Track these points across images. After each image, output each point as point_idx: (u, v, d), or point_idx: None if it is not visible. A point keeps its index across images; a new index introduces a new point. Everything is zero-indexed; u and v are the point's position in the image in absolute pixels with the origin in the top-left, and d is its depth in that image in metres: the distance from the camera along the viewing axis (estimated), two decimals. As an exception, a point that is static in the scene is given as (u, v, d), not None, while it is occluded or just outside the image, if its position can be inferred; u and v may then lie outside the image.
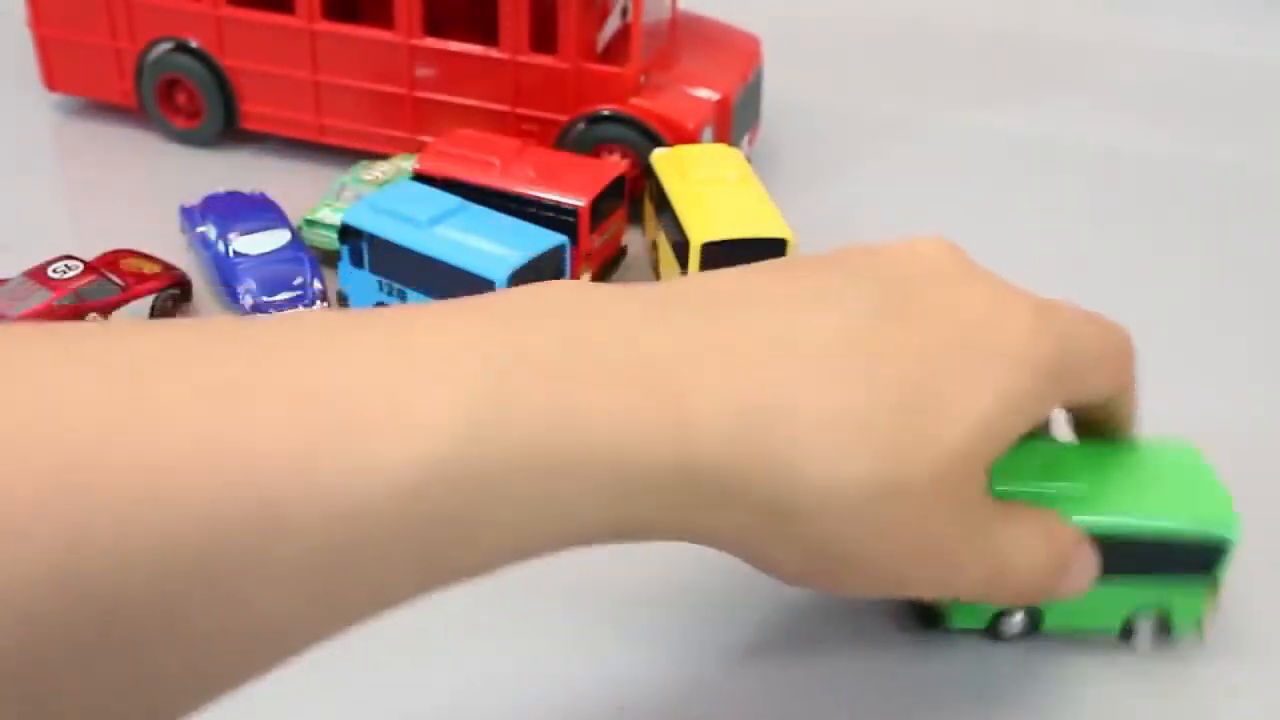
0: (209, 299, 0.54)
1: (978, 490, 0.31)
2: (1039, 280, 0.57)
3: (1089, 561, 0.35)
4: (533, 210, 0.53)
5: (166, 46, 0.63)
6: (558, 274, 0.50)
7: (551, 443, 0.26)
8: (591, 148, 0.59)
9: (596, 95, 0.58)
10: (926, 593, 0.33)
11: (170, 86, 0.64)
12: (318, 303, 0.52)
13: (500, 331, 0.27)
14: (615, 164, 0.57)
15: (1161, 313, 0.56)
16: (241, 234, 0.53)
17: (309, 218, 0.56)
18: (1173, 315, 0.56)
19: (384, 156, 0.60)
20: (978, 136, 0.71)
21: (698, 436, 0.27)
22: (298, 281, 0.52)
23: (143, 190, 0.62)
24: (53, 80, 0.66)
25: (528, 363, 0.26)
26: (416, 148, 0.60)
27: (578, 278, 0.53)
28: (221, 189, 0.57)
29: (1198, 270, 0.59)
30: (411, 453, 0.24)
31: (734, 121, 0.60)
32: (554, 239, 0.50)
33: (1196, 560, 0.36)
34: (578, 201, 0.52)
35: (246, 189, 0.57)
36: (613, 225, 0.56)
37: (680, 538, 0.29)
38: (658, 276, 0.56)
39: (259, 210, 0.55)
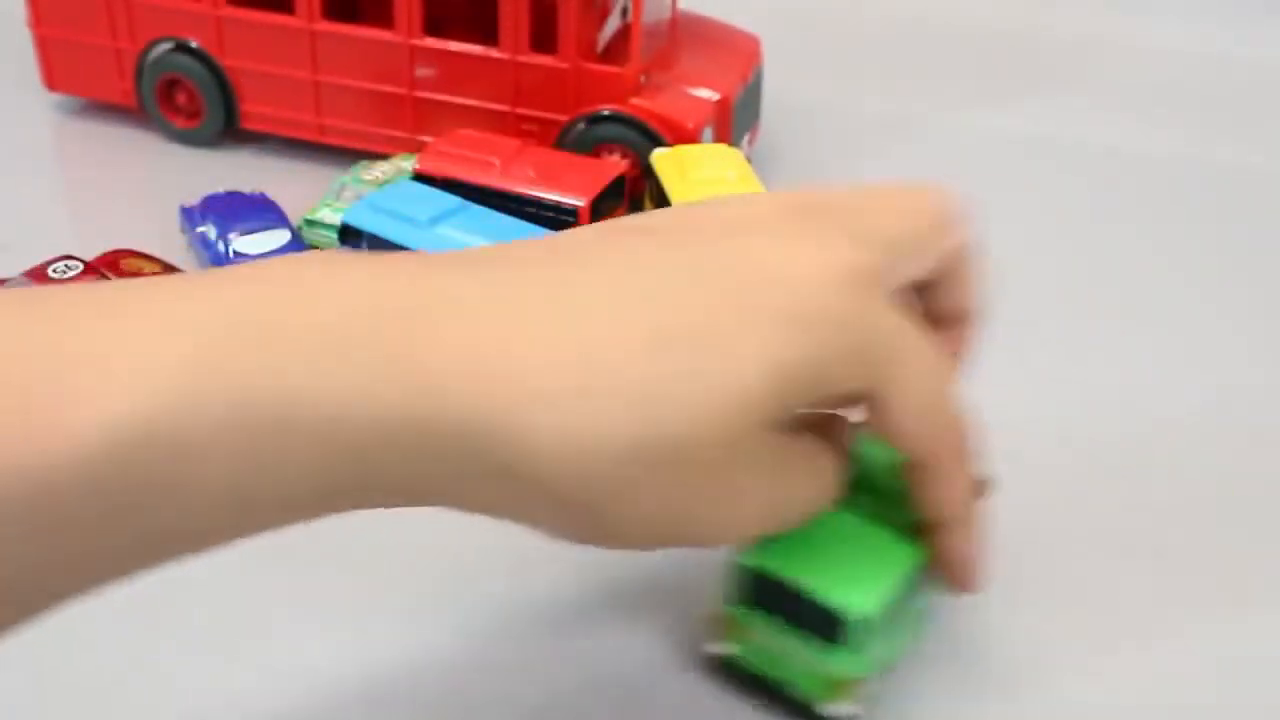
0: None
1: (753, 449, 0.30)
2: (1039, 280, 0.58)
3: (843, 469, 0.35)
4: (533, 210, 0.53)
5: (166, 46, 0.63)
6: (558, 274, 0.50)
7: (258, 401, 0.25)
8: (591, 148, 0.59)
9: (596, 95, 0.58)
10: (704, 545, 0.32)
11: (170, 86, 0.64)
12: None
13: (227, 298, 0.27)
14: (615, 164, 0.57)
15: (1161, 312, 0.56)
16: (241, 234, 0.53)
17: (309, 218, 0.56)
18: (1172, 315, 0.56)
19: (384, 156, 0.60)
20: (978, 136, 0.71)
21: (430, 391, 0.27)
22: None
23: (143, 190, 0.62)
24: (53, 80, 0.66)
25: (246, 326, 0.26)
26: (416, 148, 0.60)
27: (578, 278, 0.53)
28: (221, 189, 0.57)
29: (1198, 270, 0.59)
30: (103, 416, 0.24)
31: (734, 121, 0.60)
32: (554, 239, 0.49)
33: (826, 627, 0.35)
34: (578, 201, 0.53)
35: (246, 189, 0.57)
36: (613, 225, 0.56)
37: (432, 502, 0.29)
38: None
39: (259, 210, 0.55)
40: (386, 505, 0.28)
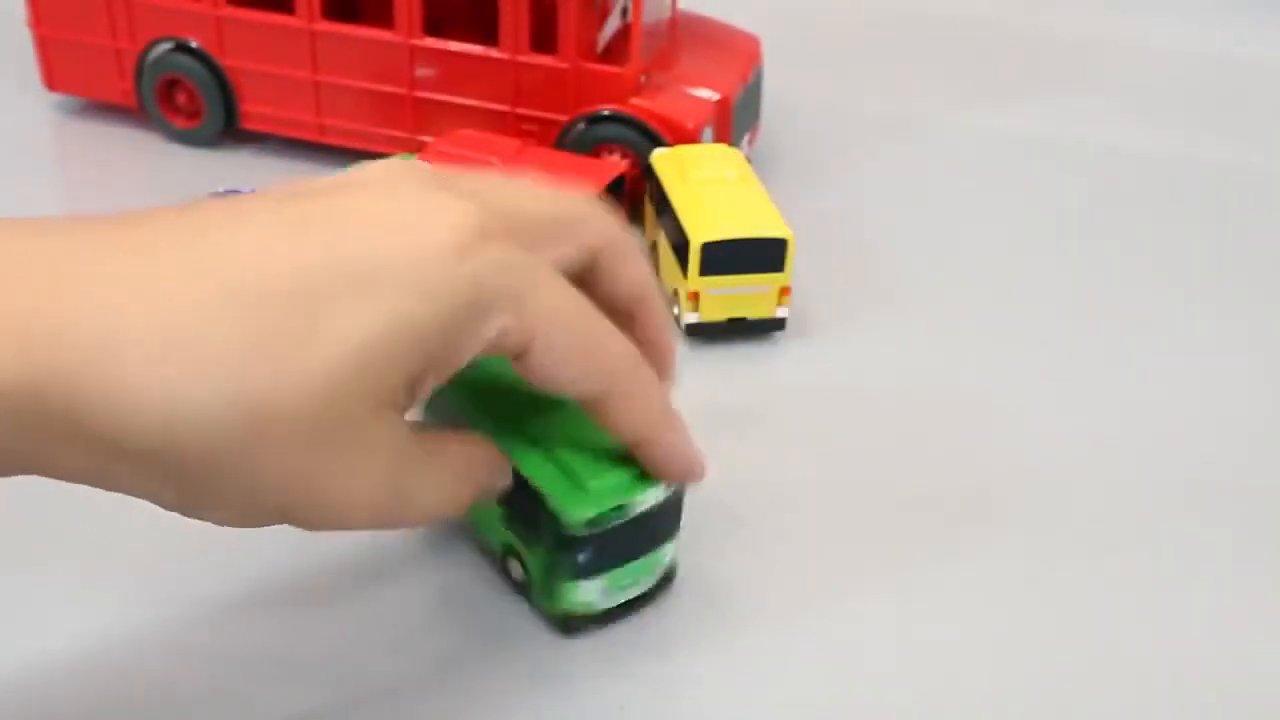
0: None
1: (360, 420, 0.29)
2: (1039, 280, 0.58)
3: (503, 480, 0.36)
4: (533, 210, 0.53)
5: (166, 46, 0.63)
6: (557, 274, 0.50)
7: None
8: (591, 148, 0.59)
9: (596, 95, 0.58)
10: (314, 525, 0.31)
11: (170, 86, 0.64)
12: None
13: None
14: (615, 164, 0.57)
15: (1161, 312, 0.56)
16: None
17: (309, 218, 0.56)
18: (1173, 315, 0.56)
19: (384, 156, 0.60)
20: (978, 136, 0.71)
21: (39, 357, 0.26)
22: None
23: (143, 190, 0.62)
24: (53, 80, 0.66)
25: None
26: (417, 148, 0.60)
27: (577, 278, 0.53)
28: (221, 189, 0.57)
29: (1197, 270, 0.59)
30: None
31: (734, 121, 0.60)
32: (554, 239, 0.49)
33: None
34: (578, 201, 0.53)
35: (246, 189, 0.57)
36: (613, 225, 0.56)
37: (43, 473, 0.28)
38: (658, 276, 0.56)
39: None
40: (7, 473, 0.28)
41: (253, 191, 0.55)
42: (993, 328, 0.55)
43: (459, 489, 0.34)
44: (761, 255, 0.51)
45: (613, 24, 0.60)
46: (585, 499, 0.35)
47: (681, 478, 0.36)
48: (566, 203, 0.35)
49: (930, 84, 0.76)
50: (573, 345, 0.32)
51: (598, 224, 0.35)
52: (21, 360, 0.26)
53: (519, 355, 0.32)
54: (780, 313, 0.52)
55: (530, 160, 0.55)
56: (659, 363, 0.37)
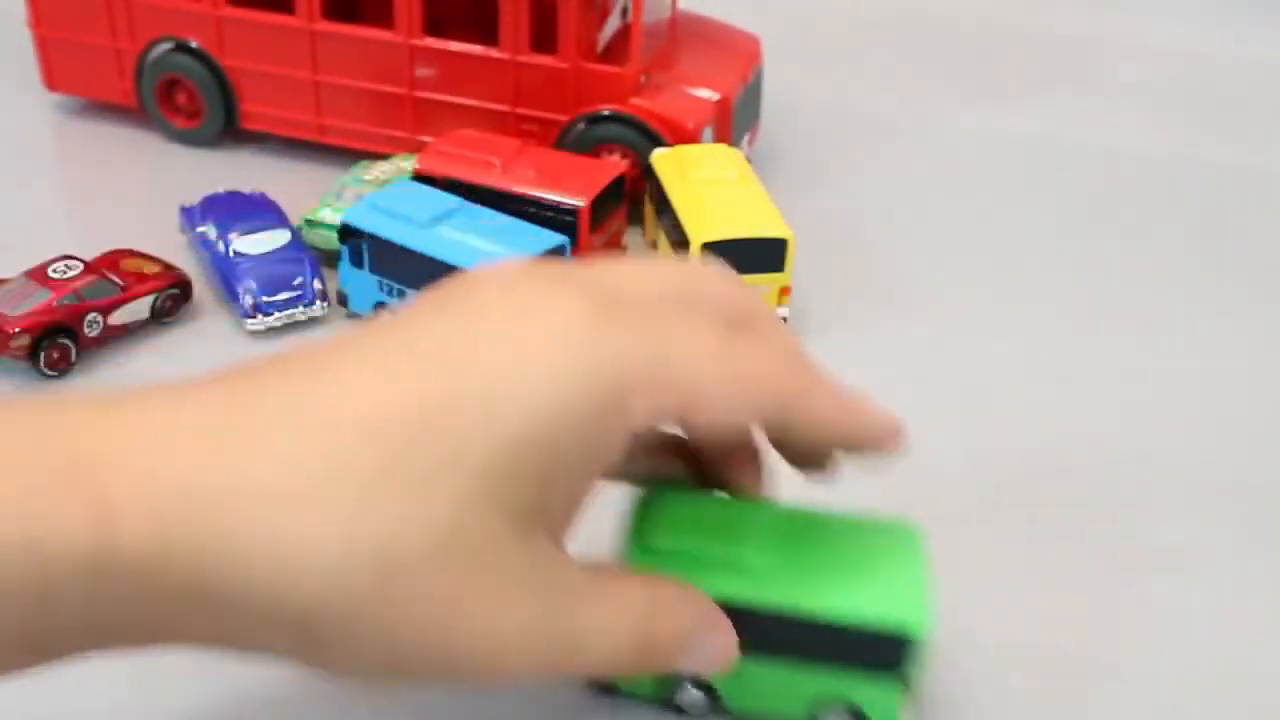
0: (209, 299, 0.54)
1: (499, 545, 0.26)
2: (1039, 280, 0.58)
3: (718, 640, 0.31)
4: (533, 210, 0.53)
5: (166, 46, 0.63)
6: (557, 274, 0.50)
7: None
8: (591, 148, 0.59)
9: (596, 95, 0.58)
10: (462, 676, 0.27)
11: (170, 86, 0.64)
12: (317, 302, 0.52)
13: None
14: (615, 164, 0.57)
15: (1161, 312, 0.56)
16: (241, 234, 0.53)
17: (309, 218, 0.56)
18: (1172, 315, 0.56)
19: (384, 156, 0.60)
20: (978, 136, 0.71)
21: (120, 522, 0.24)
22: (297, 282, 0.52)
23: (143, 190, 0.62)
24: (53, 80, 0.66)
25: None
26: (417, 148, 0.60)
27: (577, 278, 0.53)
28: (221, 189, 0.57)
29: (1197, 270, 0.59)
30: None
31: (734, 121, 0.60)
32: (554, 239, 0.50)
33: (878, 654, 0.32)
34: (578, 201, 0.53)
35: (246, 189, 0.57)
36: (613, 225, 0.56)
37: (168, 642, 0.26)
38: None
39: (259, 210, 0.55)
40: (106, 648, 0.26)
41: (254, 194, 0.56)
42: (993, 328, 0.55)
43: (643, 633, 0.30)
44: (761, 255, 0.51)
45: (613, 24, 0.60)
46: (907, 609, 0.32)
47: (895, 439, 0.33)
48: (682, 273, 0.32)
49: (930, 84, 0.76)
50: (732, 375, 0.29)
51: (719, 289, 0.32)
52: (148, 527, 0.24)
53: (684, 418, 0.29)
54: (781, 312, 0.52)
55: (530, 160, 0.55)
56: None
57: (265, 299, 0.51)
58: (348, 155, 0.62)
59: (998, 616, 0.40)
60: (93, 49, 0.64)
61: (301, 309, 0.52)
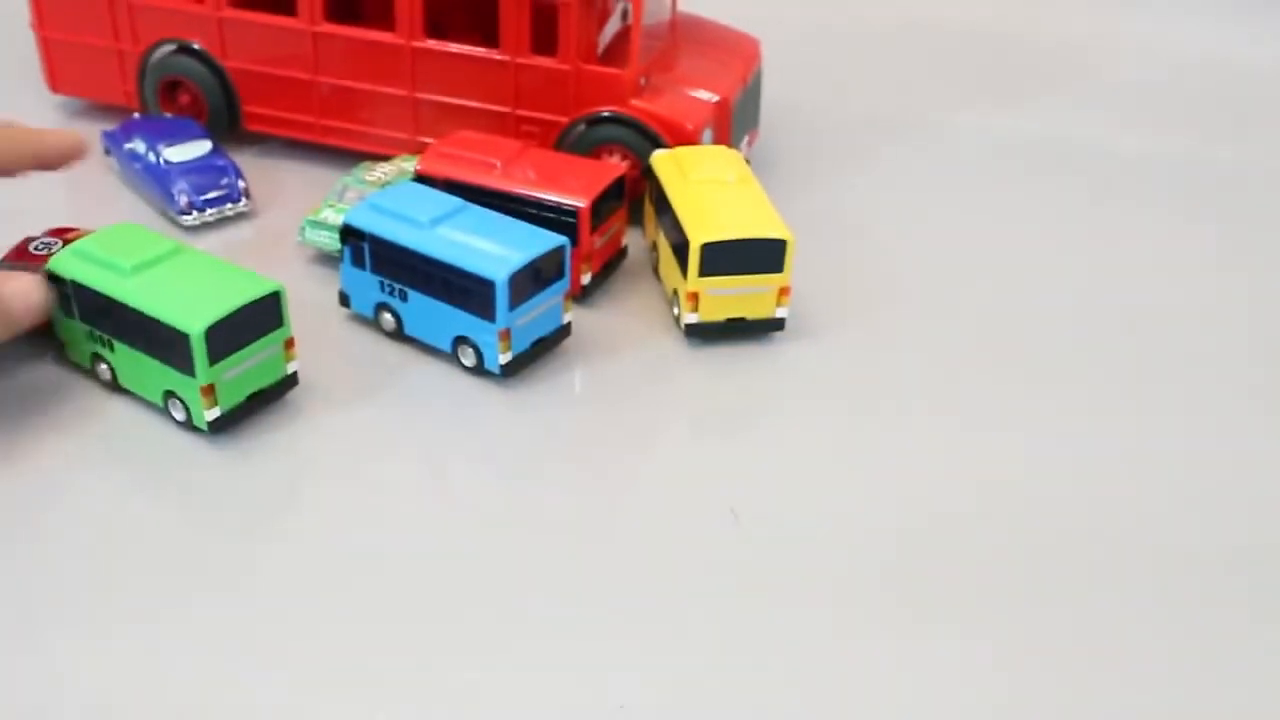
0: (141, 206, 0.60)
1: None
2: (1039, 280, 0.58)
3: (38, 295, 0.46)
4: (533, 211, 0.53)
5: (169, 48, 0.63)
6: (559, 274, 0.50)
7: None
8: (591, 149, 0.59)
9: (596, 97, 0.58)
10: None
11: (172, 88, 0.64)
12: (243, 200, 0.59)
13: None
14: (615, 165, 0.57)
15: (1161, 313, 0.56)
16: (169, 146, 0.60)
17: (311, 219, 0.56)
18: (1172, 315, 0.56)
19: (386, 158, 0.60)
20: (977, 137, 0.71)
21: None
22: (224, 182, 0.59)
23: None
24: (56, 82, 0.67)
25: None
26: (418, 149, 0.60)
27: (578, 278, 0.53)
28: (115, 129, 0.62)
29: (1197, 270, 0.60)
30: None
31: (733, 123, 0.60)
32: (554, 240, 0.50)
33: (174, 349, 0.44)
34: (578, 203, 0.53)
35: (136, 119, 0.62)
36: (613, 226, 0.56)
37: None
38: (658, 277, 0.56)
39: (179, 126, 0.61)
40: None
41: (170, 116, 0.61)
42: (992, 328, 0.55)
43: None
44: (761, 256, 0.51)
45: (613, 26, 0.61)
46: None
47: (75, 150, 0.48)
48: None
49: (930, 85, 0.77)
50: None
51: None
52: None
53: None
54: (780, 313, 0.52)
55: (531, 162, 0.55)
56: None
57: (198, 198, 0.58)
58: (349, 156, 0.62)
59: (993, 613, 0.40)
60: (95, 51, 0.64)
61: (230, 206, 0.59)
